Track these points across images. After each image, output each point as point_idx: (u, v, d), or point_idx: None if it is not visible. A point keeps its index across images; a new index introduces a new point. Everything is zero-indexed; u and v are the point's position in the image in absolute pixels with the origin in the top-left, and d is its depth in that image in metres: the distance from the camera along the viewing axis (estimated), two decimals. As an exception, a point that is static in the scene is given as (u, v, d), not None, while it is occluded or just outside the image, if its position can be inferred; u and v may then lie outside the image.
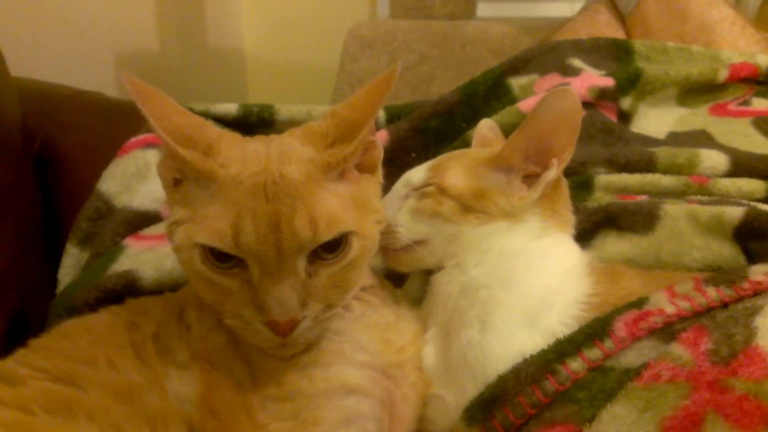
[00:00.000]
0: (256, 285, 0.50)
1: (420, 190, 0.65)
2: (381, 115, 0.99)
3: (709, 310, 0.50)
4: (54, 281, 0.83)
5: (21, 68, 1.00)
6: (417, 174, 0.67)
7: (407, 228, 0.64)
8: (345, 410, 0.54)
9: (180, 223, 0.52)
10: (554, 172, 0.61)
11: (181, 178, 0.54)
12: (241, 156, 0.52)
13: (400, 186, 0.68)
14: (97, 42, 1.48)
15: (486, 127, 0.78)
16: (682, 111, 0.96)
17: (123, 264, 0.75)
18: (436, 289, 0.64)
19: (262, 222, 0.48)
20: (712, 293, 0.51)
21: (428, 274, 0.68)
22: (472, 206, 0.62)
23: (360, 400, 0.55)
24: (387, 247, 0.65)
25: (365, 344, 0.59)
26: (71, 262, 0.84)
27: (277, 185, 0.50)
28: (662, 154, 0.76)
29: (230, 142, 0.54)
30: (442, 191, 0.63)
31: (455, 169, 0.65)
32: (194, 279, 0.53)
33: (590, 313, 0.55)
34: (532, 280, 0.59)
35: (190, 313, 0.59)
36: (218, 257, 0.50)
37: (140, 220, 0.83)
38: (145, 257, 0.75)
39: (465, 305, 0.60)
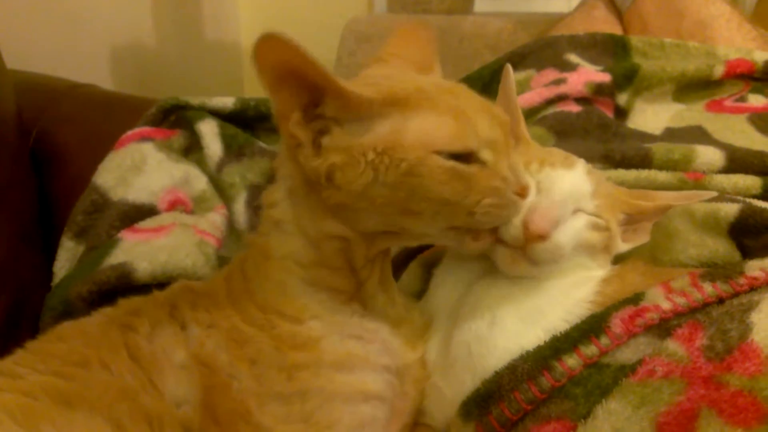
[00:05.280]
0: (494, 165, 0.54)
1: (591, 220, 0.60)
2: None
3: (704, 306, 0.50)
4: (50, 274, 0.83)
5: (17, 61, 0.99)
6: (584, 188, 0.61)
7: (568, 253, 0.59)
8: (360, 416, 0.54)
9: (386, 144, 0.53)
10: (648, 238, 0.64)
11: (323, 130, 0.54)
12: (397, 78, 0.57)
13: (570, 195, 0.60)
14: (93, 35, 1.47)
15: (511, 72, 0.74)
16: (678, 107, 0.96)
17: (117, 257, 0.75)
18: (466, 275, 0.64)
19: (485, 113, 0.55)
20: (708, 289, 0.51)
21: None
22: (608, 247, 0.62)
23: (376, 406, 0.55)
24: (532, 257, 0.57)
25: (390, 344, 0.58)
26: (67, 256, 0.84)
27: (456, 87, 0.58)
28: (658, 149, 0.76)
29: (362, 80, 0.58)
30: (608, 230, 0.61)
31: (612, 209, 0.63)
32: (439, 183, 0.52)
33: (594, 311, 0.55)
34: (557, 283, 0.59)
35: (183, 311, 0.57)
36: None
37: (136, 214, 0.83)
38: (140, 249, 0.75)
39: (482, 293, 0.60)
